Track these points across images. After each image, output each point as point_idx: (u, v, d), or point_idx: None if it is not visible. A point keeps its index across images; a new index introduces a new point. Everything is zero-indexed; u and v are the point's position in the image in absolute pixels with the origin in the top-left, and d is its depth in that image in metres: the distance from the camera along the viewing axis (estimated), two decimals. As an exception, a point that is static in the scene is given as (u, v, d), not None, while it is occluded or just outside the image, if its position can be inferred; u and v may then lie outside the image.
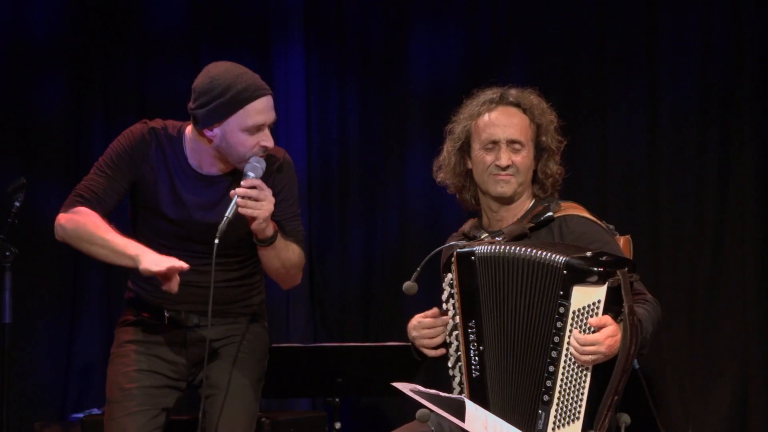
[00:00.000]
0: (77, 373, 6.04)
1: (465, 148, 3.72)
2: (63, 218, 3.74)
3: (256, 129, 3.66)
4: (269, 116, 3.69)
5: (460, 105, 3.77)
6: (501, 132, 3.65)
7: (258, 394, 3.92)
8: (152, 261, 3.57)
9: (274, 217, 3.67)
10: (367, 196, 6.01)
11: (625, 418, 3.46)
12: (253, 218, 3.62)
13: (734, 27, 5.40)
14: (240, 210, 3.61)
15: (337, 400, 4.98)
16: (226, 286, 3.81)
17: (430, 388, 3.33)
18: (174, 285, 3.58)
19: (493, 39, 5.80)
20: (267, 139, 3.69)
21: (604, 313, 3.33)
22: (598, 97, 5.59)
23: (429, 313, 3.58)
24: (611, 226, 3.70)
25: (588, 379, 3.34)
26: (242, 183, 3.63)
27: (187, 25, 6.16)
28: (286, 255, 3.76)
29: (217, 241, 3.59)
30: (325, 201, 6.06)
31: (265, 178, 3.69)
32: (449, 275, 3.54)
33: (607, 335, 3.31)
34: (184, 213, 3.77)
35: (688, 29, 5.47)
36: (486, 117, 3.68)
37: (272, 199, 3.63)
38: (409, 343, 3.65)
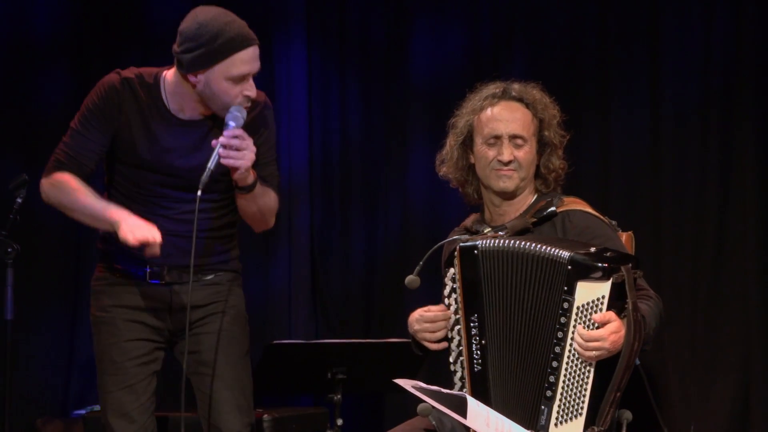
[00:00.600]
0: (79, 369, 6.03)
1: (467, 143, 3.70)
2: (45, 184, 3.78)
3: (241, 78, 3.65)
4: (254, 66, 3.69)
5: (462, 99, 3.76)
6: (503, 127, 3.63)
7: (248, 364, 3.90)
8: (128, 230, 3.57)
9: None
10: (368, 191, 6.01)
11: (627, 415, 3.44)
12: (236, 168, 3.63)
13: (736, 21, 5.39)
14: (222, 160, 3.61)
15: (338, 396, 4.97)
16: (208, 236, 3.79)
17: (432, 384, 3.32)
18: (155, 249, 3.59)
19: (495, 33, 5.79)
20: (250, 89, 3.68)
21: (608, 308, 3.32)
22: (600, 92, 5.59)
23: (431, 307, 3.57)
24: (614, 222, 3.69)
25: (591, 375, 3.33)
26: (224, 133, 3.63)
27: (189, 20, 6.15)
28: (263, 200, 3.77)
29: (200, 193, 3.60)
30: (327, 196, 6.05)
31: (246, 122, 3.68)
32: (451, 269, 3.52)
33: (611, 331, 3.30)
34: (164, 159, 3.75)
35: (691, 23, 5.47)
36: (489, 111, 3.66)
37: (254, 149, 3.64)
38: (411, 340, 3.65)
